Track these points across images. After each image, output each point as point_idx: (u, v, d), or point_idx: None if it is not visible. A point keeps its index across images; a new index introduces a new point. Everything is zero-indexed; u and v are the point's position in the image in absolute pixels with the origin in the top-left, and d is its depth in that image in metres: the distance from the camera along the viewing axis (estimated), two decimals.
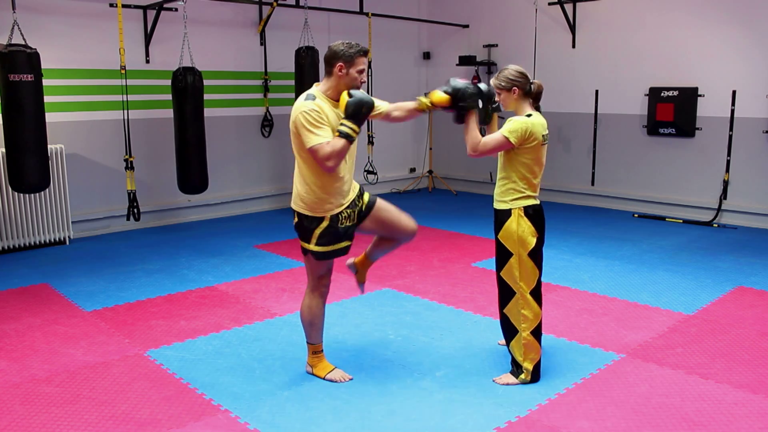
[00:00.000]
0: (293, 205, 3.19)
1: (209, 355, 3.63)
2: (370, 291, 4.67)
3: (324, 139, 2.93)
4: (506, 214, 3.17)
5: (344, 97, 2.97)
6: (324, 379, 3.30)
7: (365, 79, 3.12)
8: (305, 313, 3.28)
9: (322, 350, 3.37)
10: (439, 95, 3.18)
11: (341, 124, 2.95)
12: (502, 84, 3.16)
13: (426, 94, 3.28)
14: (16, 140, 5.08)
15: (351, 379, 3.31)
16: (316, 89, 3.09)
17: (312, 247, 3.13)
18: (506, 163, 3.17)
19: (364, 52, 3.04)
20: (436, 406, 3.04)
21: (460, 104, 3.12)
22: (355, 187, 3.26)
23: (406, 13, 8.81)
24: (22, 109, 5.02)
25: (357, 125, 2.94)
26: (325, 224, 3.10)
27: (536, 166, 3.17)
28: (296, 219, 3.19)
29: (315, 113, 2.94)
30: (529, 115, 3.14)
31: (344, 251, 3.21)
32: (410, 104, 3.33)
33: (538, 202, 3.21)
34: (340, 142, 2.92)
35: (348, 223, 3.19)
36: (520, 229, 3.14)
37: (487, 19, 8.69)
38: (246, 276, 5.08)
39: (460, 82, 3.14)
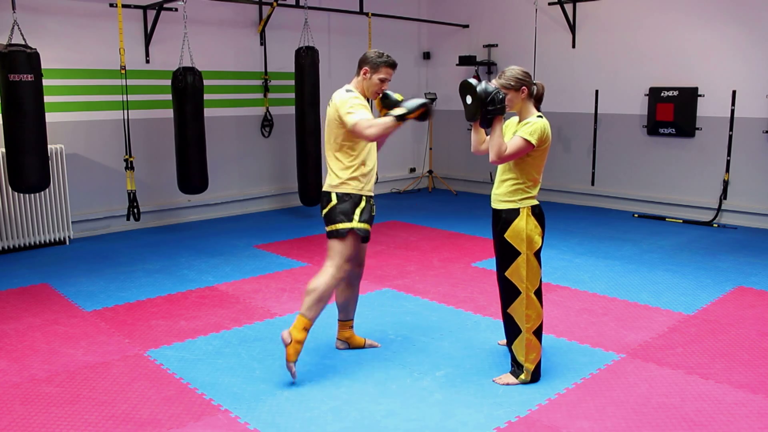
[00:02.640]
0: (333, 188, 3.35)
1: (209, 355, 3.63)
2: (370, 291, 4.68)
3: (366, 116, 3.21)
4: (514, 213, 3.16)
5: (400, 97, 3.36)
6: (286, 360, 3.22)
7: (386, 87, 3.38)
8: (320, 286, 3.25)
9: (308, 329, 3.30)
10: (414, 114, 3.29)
11: (396, 109, 3.23)
12: (511, 84, 3.12)
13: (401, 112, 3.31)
14: (16, 140, 5.08)
15: (295, 380, 3.26)
16: (351, 86, 3.38)
17: (356, 224, 3.33)
18: (518, 164, 3.15)
19: (390, 65, 3.32)
20: (436, 406, 3.04)
21: (489, 108, 3.04)
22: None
23: (406, 13, 8.81)
24: (22, 109, 5.02)
25: (409, 113, 3.19)
26: (363, 203, 3.36)
27: (543, 166, 3.19)
28: (334, 201, 3.33)
29: (357, 99, 3.28)
30: (539, 116, 3.14)
31: (369, 237, 3.47)
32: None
33: (538, 202, 3.22)
34: (388, 119, 3.18)
35: (373, 213, 3.45)
36: (528, 228, 3.14)
37: (487, 19, 8.69)
38: (246, 276, 5.08)
39: (490, 86, 3.08)
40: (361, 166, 3.34)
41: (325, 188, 3.41)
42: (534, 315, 3.20)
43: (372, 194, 3.44)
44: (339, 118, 3.26)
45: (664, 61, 7.12)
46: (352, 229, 3.32)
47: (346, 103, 3.24)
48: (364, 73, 3.33)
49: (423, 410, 3.00)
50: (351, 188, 3.33)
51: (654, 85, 7.19)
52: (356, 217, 3.33)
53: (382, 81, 3.32)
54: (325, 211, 3.38)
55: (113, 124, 6.40)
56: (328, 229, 3.37)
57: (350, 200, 3.33)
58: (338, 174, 3.33)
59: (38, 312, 4.30)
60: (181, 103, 6.09)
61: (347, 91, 3.34)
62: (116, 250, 5.87)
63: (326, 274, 3.31)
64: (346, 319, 3.67)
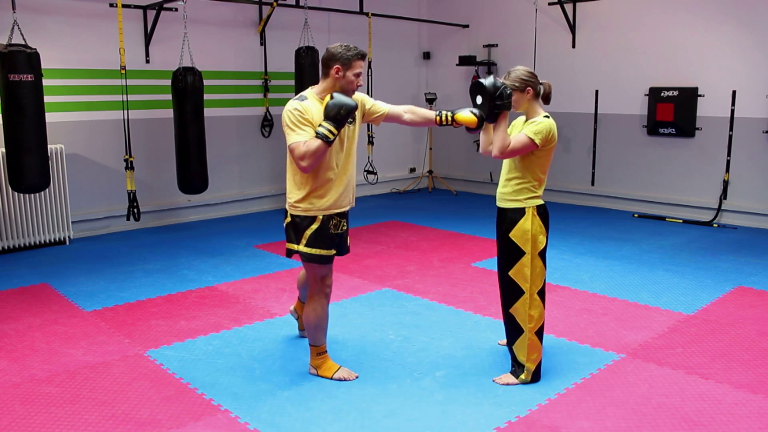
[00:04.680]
0: (287, 205, 3.21)
1: (209, 355, 3.63)
2: (370, 291, 4.68)
3: (302, 138, 2.94)
4: (519, 212, 3.16)
5: (326, 99, 2.98)
6: (332, 379, 3.29)
7: (362, 82, 3.12)
8: (311, 317, 3.26)
9: (326, 350, 3.37)
10: (465, 116, 3.14)
11: (319, 125, 2.94)
12: (516, 84, 3.13)
13: (453, 112, 3.22)
14: (16, 140, 5.08)
15: (357, 377, 3.32)
16: (310, 90, 3.12)
17: (301, 247, 3.12)
18: (522, 163, 3.15)
19: (362, 56, 3.06)
20: (436, 406, 3.04)
21: (497, 103, 3.03)
22: (348, 204, 3.26)
23: (406, 13, 8.81)
24: (22, 109, 5.02)
25: (335, 127, 2.92)
26: (316, 225, 3.12)
27: (548, 166, 3.19)
28: (288, 219, 3.19)
29: (298, 113, 2.97)
30: (546, 116, 3.15)
31: (330, 259, 3.20)
32: (429, 114, 3.33)
33: (543, 202, 3.22)
34: (316, 143, 2.91)
35: (336, 231, 3.20)
36: (533, 228, 3.14)
37: (487, 19, 8.69)
38: (246, 276, 5.08)
39: (498, 80, 3.07)
40: (316, 179, 3.05)
41: (286, 204, 3.23)
42: (537, 315, 3.20)
43: (337, 210, 3.15)
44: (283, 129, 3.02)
45: (664, 61, 7.12)
46: (297, 252, 3.14)
47: (289, 116, 2.97)
48: (337, 72, 3.02)
49: (423, 410, 3.00)
50: (301, 209, 3.10)
51: (654, 85, 7.19)
52: (304, 240, 3.10)
53: (357, 76, 3.05)
54: (284, 224, 3.23)
55: (113, 124, 6.40)
56: (286, 244, 3.22)
57: (300, 221, 3.11)
58: (290, 190, 3.13)
59: (38, 312, 4.30)
60: (181, 103, 6.08)
61: (298, 98, 3.06)
62: (116, 250, 5.87)
63: (308, 302, 3.27)
64: (304, 299, 3.67)
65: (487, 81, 3.06)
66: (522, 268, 3.17)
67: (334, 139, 2.93)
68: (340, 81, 3.04)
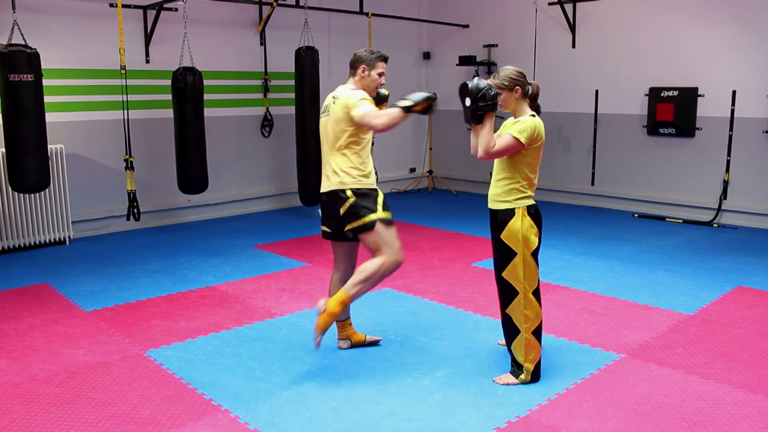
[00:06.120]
0: (345, 186, 3.37)
1: (209, 355, 3.63)
2: (370, 291, 4.66)
3: (373, 108, 3.32)
4: (509, 213, 3.16)
5: (386, 92, 3.57)
6: (315, 327, 3.29)
7: (384, 81, 3.51)
8: (378, 271, 3.31)
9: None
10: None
11: (403, 99, 3.30)
12: (505, 84, 3.15)
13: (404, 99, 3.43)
14: (16, 140, 5.08)
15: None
16: (352, 85, 3.48)
17: (382, 214, 3.37)
18: (510, 163, 3.16)
19: (384, 58, 3.49)
20: (436, 406, 3.04)
21: (480, 104, 3.07)
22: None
23: (406, 13, 8.81)
24: (22, 109, 5.02)
25: (415, 105, 3.27)
26: (381, 195, 3.44)
27: (537, 166, 3.19)
28: (352, 198, 3.36)
29: (365, 95, 3.38)
30: (533, 116, 3.15)
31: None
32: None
33: (535, 202, 3.22)
34: (395, 110, 3.26)
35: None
36: (524, 228, 3.14)
37: (487, 19, 8.69)
38: (246, 276, 5.08)
39: (482, 82, 3.10)
40: (366, 163, 3.43)
41: (333, 187, 3.40)
42: (532, 315, 3.20)
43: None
44: (347, 114, 3.31)
45: (664, 61, 7.12)
46: (378, 220, 3.34)
47: (352, 99, 3.31)
48: (363, 71, 3.43)
49: (423, 410, 3.00)
50: (363, 184, 3.39)
51: (654, 85, 7.19)
52: (379, 207, 3.37)
53: (381, 75, 3.46)
54: (344, 209, 3.37)
55: (113, 124, 6.40)
56: (354, 225, 3.36)
57: (369, 193, 3.39)
58: (348, 172, 3.38)
59: (38, 312, 4.30)
60: (181, 103, 6.09)
61: (351, 89, 3.41)
62: (116, 250, 5.87)
63: (377, 259, 3.34)
64: (343, 318, 3.68)
65: (471, 83, 3.09)
66: (515, 269, 3.17)
67: (407, 114, 3.27)
68: (366, 79, 3.46)
